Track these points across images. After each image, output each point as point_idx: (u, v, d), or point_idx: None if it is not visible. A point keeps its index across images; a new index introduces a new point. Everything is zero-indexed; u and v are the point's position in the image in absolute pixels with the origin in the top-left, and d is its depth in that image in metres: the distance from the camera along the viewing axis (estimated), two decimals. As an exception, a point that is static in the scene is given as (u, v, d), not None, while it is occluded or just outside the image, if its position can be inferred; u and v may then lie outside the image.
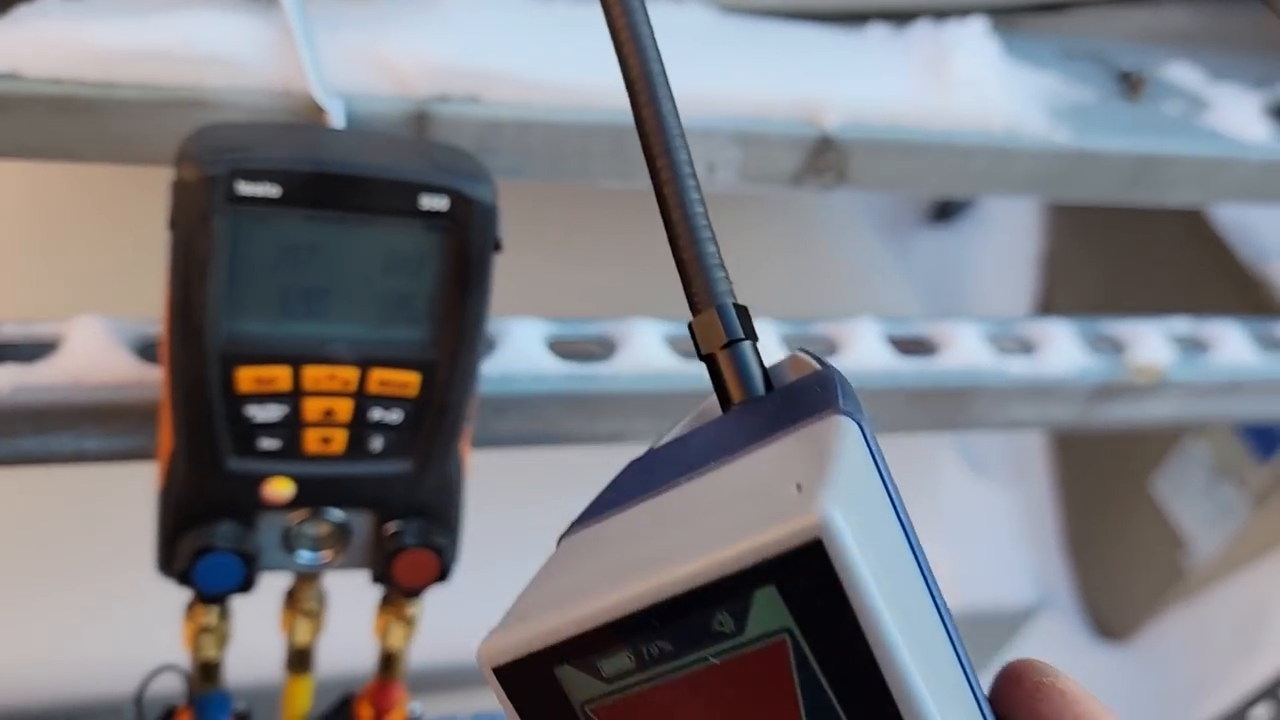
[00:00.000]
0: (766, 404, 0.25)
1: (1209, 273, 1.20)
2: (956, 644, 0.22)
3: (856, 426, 0.22)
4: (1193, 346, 0.63)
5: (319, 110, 0.43)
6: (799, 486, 0.19)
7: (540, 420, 0.53)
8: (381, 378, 0.43)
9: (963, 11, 0.59)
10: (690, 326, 0.26)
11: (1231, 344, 0.64)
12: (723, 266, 0.26)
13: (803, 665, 0.20)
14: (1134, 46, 0.65)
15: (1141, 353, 0.61)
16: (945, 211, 2.04)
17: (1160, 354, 0.61)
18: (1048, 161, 0.56)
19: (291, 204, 0.39)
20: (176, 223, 0.38)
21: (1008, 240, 1.92)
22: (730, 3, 0.55)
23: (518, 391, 0.51)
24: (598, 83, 0.48)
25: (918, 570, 0.22)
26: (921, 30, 0.55)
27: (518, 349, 0.52)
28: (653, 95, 0.28)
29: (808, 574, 0.19)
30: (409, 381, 0.43)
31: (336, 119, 0.43)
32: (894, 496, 0.22)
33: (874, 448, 0.22)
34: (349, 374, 0.42)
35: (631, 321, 0.55)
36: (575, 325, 0.55)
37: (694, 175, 0.28)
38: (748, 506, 0.20)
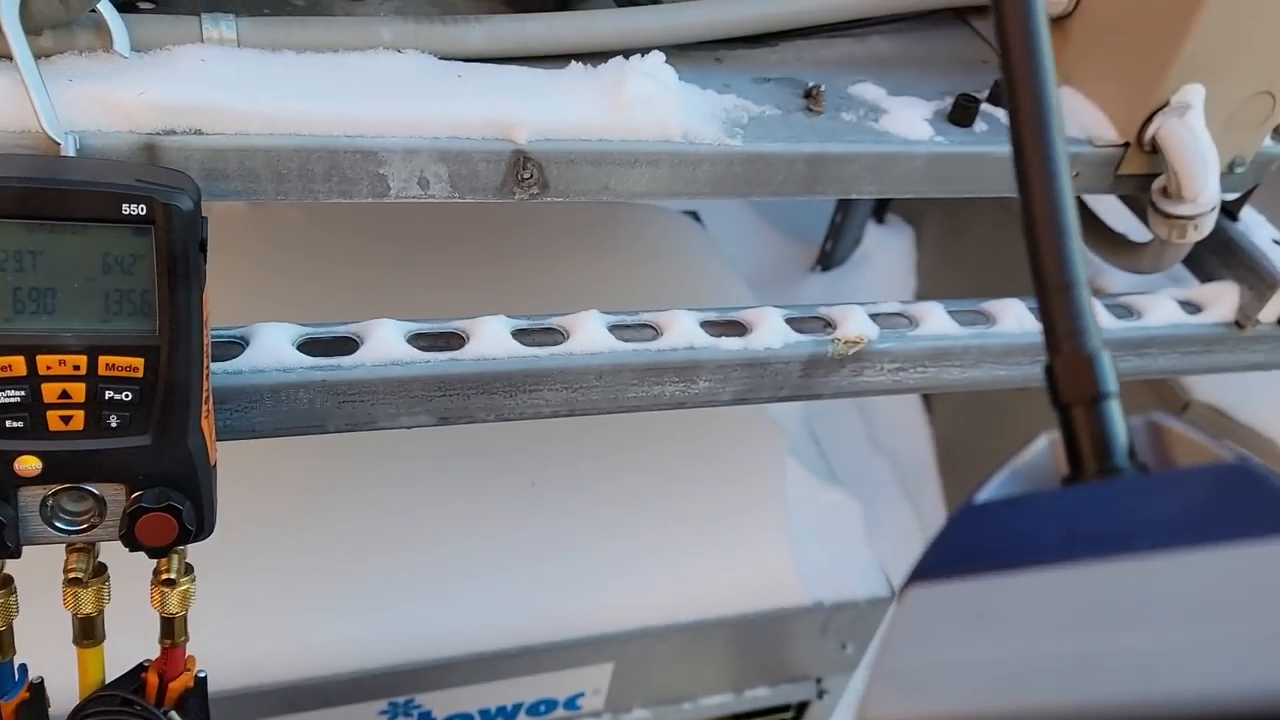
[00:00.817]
0: (1167, 488, 0.22)
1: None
2: None
3: None
4: (898, 323, 0.72)
5: (54, 143, 0.52)
6: None
7: (291, 409, 0.60)
8: (109, 361, 0.50)
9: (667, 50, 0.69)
10: (1049, 369, 0.24)
11: (933, 319, 0.73)
12: (1092, 306, 0.25)
13: None
14: (829, 71, 0.75)
15: (848, 328, 0.70)
16: (829, 261, 2.15)
17: (865, 327, 0.70)
18: (725, 165, 0.65)
19: (6, 215, 0.47)
20: (-89, 235, 0.47)
21: (887, 279, 2.03)
22: (444, 51, 0.64)
23: (268, 382, 0.59)
24: (312, 110, 0.57)
25: None
26: (610, 65, 0.64)
27: (266, 346, 0.60)
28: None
29: None
30: (135, 364, 0.51)
31: (69, 151, 0.52)
32: None
33: None
34: (79, 359, 0.50)
35: (374, 322, 0.63)
36: (324, 327, 0.63)
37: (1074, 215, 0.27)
38: None
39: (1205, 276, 0.84)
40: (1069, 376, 0.24)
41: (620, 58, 0.65)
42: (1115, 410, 0.23)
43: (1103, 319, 0.77)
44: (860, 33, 0.80)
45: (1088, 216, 0.85)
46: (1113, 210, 0.88)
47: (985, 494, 0.24)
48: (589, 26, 0.68)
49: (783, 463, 1.25)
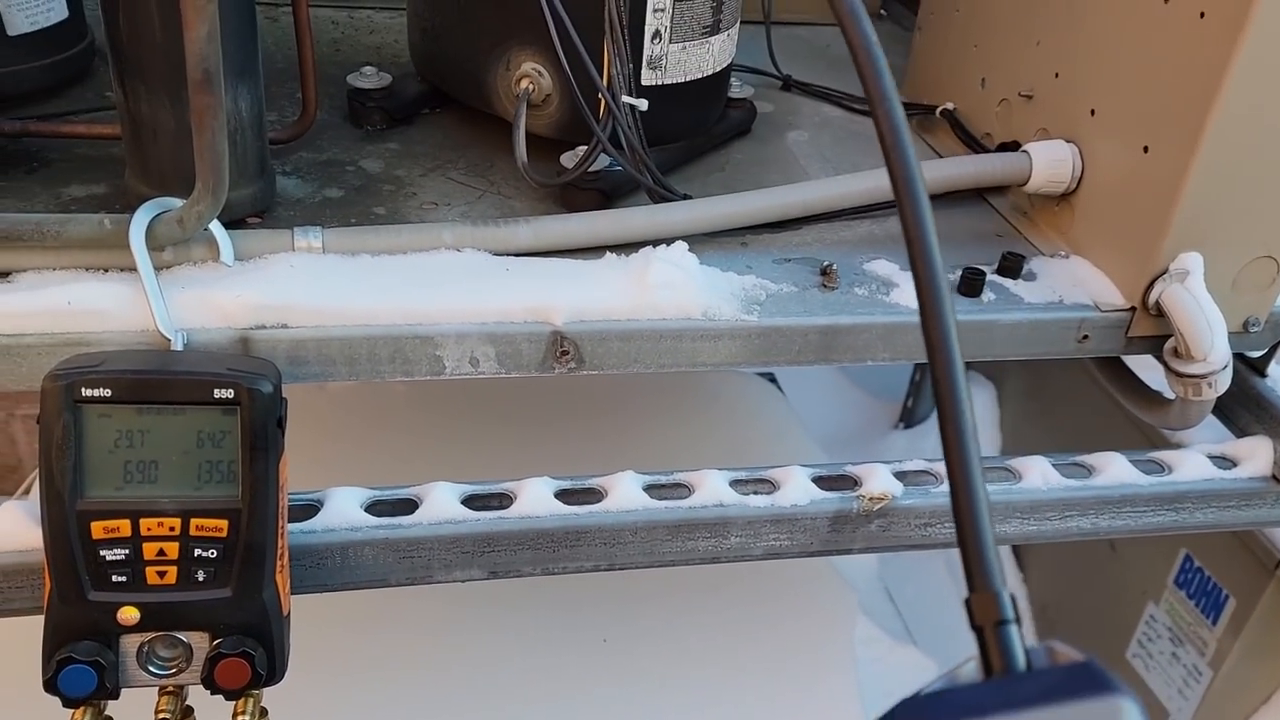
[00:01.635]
0: (1038, 678, 0.31)
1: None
2: None
3: (1137, 710, 0.28)
4: (923, 480, 0.76)
5: (165, 339, 0.62)
6: None
7: (358, 565, 0.68)
8: (199, 523, 0.59)
9: (705, 239, 0.78)
10: (968, 602, 0.33)
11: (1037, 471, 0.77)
12: (998, 556, 0.34)
13: None
14: (847, 250, 0.82)
15: (872, 486, 0.75)
16: (911, 418, 2.17)
17: (889, 485, 0.75)
18: (744, 338, 0.72)
19: (122, 401, 0.57)
20: (41, 419, 0.57)
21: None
22: (497, 248, 0.74)
23: (338, 540, 0.67)
24: (378, 304, 0.67)
25: None
26: (640, 253, 0.73)
27: (337, 509, 0.68)
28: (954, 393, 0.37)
29: None
30: (220, 525, 0.59)
31: (177, 346, 0.62)
32: None
33: None
34: (174, 522, 0.59)
35: (431, 484, 0.71)
36: (389, 490, 0.71)
37: (980, 465, 0.35)
38: None
39: (1240, 431, 0.85)
40: (981, 607, 0.33)
41: (649, 247, 0.74)
42: (1014, 632, 0.32)
43: (1130, 475, 0.79)
44: (881, 213, 0.87)
45: (1123, 373, 0.89)
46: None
47: (929, 689, 0.33)
48: (623, 222, 0.77)
49: (852, 621, 1.26)
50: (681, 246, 0.74)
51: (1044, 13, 0.86)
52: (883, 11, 1.42)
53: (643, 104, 0.79)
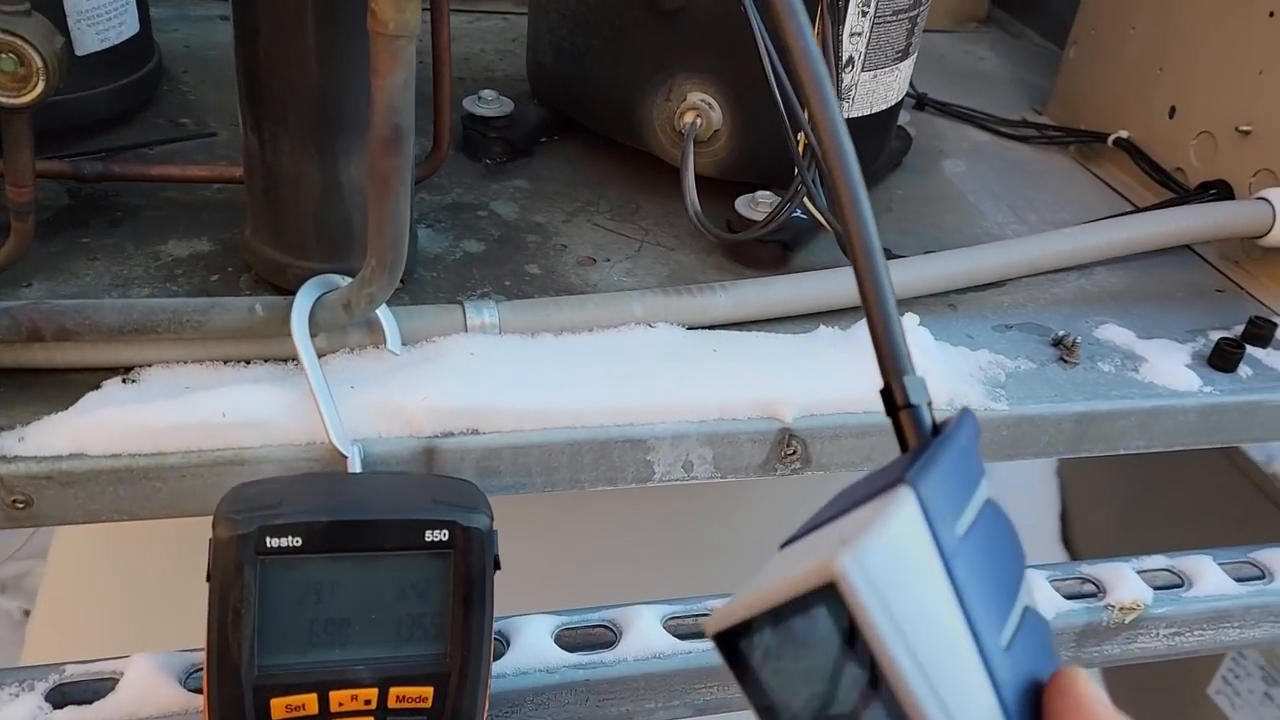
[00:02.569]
0: (899, 462, 0.31)
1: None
2: (999, 684, 0.28)
3: (914, 496, 0.28)
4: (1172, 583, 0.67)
5: (340, 456, 0.50)
6: (843, 542, 0.26)
7: (554, 712, 0.56)
8: (399, 693, 0.47)
9: (909, 302, 0.67)
10: (884, 391, 0.35)
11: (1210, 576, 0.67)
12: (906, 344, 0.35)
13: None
14: (1067, 312, 0.72)
15: (1123, 592, 0.64)
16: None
17: (1140, 592, 0.65)
18: (992, 428, 0.61)
19: (312, 551, 0.45)
20: (213, 575, 0.45)
21: (1028, 499, 1.90)
22: (693, 321, 0.63)
23: (531, 685, 0.56)
24: (581, 402, 0.56)
25: (955, 615, 0.28)
26: (862, 330, 0.62)
27: (528, 644, 0.57)
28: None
29: (837, 606, 0.26)
30: (424, 694, 0.48)
31: (354, 464, 0.50)
32: (948, 557, 0.28)
33: (936, 514, 0.28)
34: (370, 693, 0.47)
35: (633, 608, 0.59)
36: (579, 614, 0.59)
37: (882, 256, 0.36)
38: (820, 551, 0.27)
39: None
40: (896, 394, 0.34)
41: (873, 321, 0.63)
42: (924, 411, 0.34)
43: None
44: (1084, 266, 0.77)
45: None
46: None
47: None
48: (830, 286, 0.66)
49: None
50: (913, 320, 0.63)
51: (1271, 36, 0.76)
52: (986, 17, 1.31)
53: (847, 146, 0.68)
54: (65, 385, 0.52)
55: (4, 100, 0.50)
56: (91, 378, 0.53)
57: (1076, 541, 1.66)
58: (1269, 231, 0.73)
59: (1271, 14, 0.76)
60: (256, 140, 0.56)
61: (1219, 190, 0.80)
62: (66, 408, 0.50)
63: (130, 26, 0.76)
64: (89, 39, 0.72)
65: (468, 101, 0.81)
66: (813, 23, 0.65)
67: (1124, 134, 0.90)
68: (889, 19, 0.71)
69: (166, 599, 0.87)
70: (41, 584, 1.25)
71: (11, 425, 0.49)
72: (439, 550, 0.47)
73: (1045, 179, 0.92)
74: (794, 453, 0.59)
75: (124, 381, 0.52)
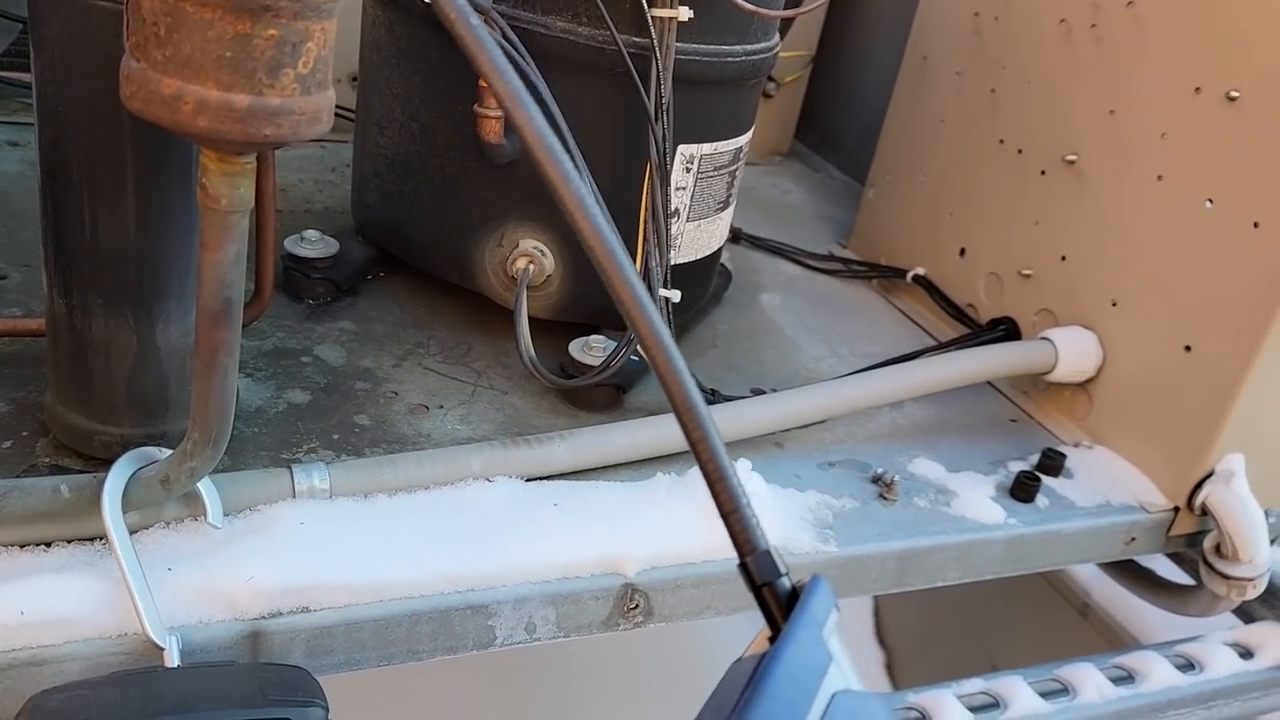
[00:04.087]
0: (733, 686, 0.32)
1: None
2: None
3: None
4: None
5: (157, 648, 0.47)
6: None
7: None
8: None
9: (740, 442, 0.69)
10: (742, 565, 0.36)
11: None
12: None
13: None
14: (883, 446, 0.76)
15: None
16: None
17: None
18: (823, 568, 0.64)
19: (130, 765, 0.41)
20: (12, 803, 0.40)
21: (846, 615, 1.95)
22: (532, 472, 0.62)
23: None
24: (419, 570, 0.54)
25: None
26: (698, 477, 0.64)
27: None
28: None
29: None
30: None
31: (173, 657, 0.47)
32: None
33: None
34: None
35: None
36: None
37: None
38: None
39: (1246, 616, 0.85)
40: (757, 568, 0.36)
41: (707, 468, 0.65)
42: (785, 583, 0.35)
43: (1173, 677, 0.76)
44: (891, 403, 0.82)
45: (1139, 572, 0.87)
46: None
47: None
48: (665, 432, 0.67)
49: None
50: (746, 466, 0.65)
51: (1042, 192, 0.85)
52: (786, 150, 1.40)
53: (676, 295, 0.71)
54: None
55: None
56: None
57: (889, 637, 1.73)
58: (1052, 369, 0.80)
59: (1043, 172, 0.85)
60: (64, 304, 0.53)
61: (1008, 327, 0.88)
62: None
63: (-89, 163, 0.70)
64: None
65: (289, 241, 0.79)
66: (644, 181, 0.68)
67: (920, 271, 0.98)
68: (711, 174, 0.75)
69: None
70: None
71: None
72: (272, 752, 0.44)
73: (853, 312, 0.98)
74: (637, 606, 0.59)
75: (-100, 576, 0.47)
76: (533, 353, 0.71)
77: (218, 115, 0.40)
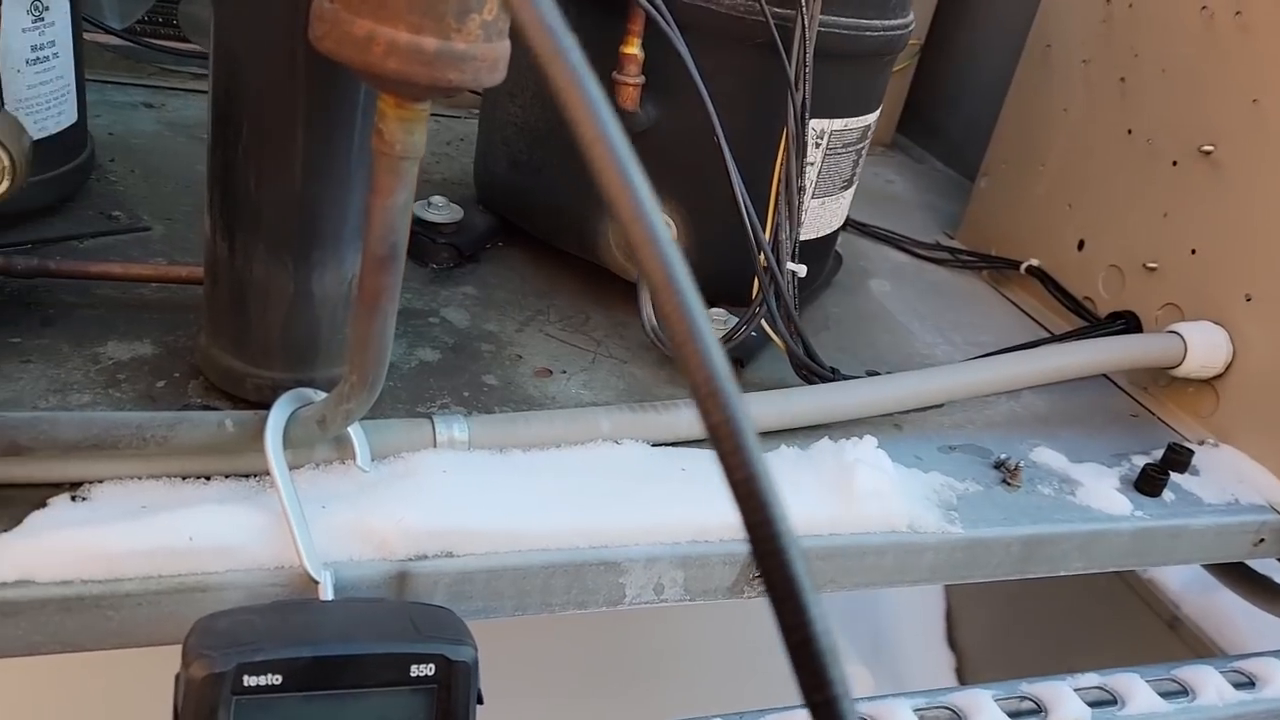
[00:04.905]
0: None
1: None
2: None
3: None
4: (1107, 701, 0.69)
5: (312, 582, 0.48)
6: None
7: None
8: (370, 843, 0.44)
9: (859, 421, 0.69)
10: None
11: (1141, 694, 0.69)
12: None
13: None
14: (1001, 434, 0.75)
15: (1064, 713, 0.66)
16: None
17: (1079, 710, 0.66)
18: (947, 552, 0.63)
19: (292, 689, 0.42)
20: (183, 715, 0.41)
21: (912, 600, 1.92)
22: (658, 438, 0.63)
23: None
24: (556, 523, 0.55)
25: None
26: (822, 451, 0.64)
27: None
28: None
29: None
30: (397, 842, 0.45)
31: (327, 591, 0.48)
32: None
33: None
34: (340, 842, 0.44)
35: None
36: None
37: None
38: None
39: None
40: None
41: (832, 443, 0.65)
42: None
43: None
44: (1011, 390, 0.81)
45: (1254, 578, 0.85)
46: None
47: None
48: (790, 406, 0.67)
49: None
50: (872, 443, 0.65)
51: (1173, 183, 0.83)
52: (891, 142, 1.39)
53: (803, 269, 0.71)
54: (5, 502, 0.48)
55: (-37, 198, 0.47)
56: (35, 494, 0.49)
57: (961, 640, 1.70)
58: (1180, 364, 0.78)
59: (1175, 163, 0.83)
60: (227, 248, 0.54)
61: (1128, 321, 0.86)
62: (9, 529, 0.46)
63: (69, 116, 0.73)
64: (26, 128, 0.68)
65: (417, 207, 0.80)
66: (778, 155, 0.68)
67: (1035, 262, 0.96)
68: (839, 151, 0.74)
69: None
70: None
71: (-53, 548, 0.45)
72: (423, 686, 0.45)
73: (963, 301, 0.97)
74: (761, 575, 0.59)
75: (73, 499, 0.49)
76: (655, 322, 0.71)
77: (407, 58, 0.41)
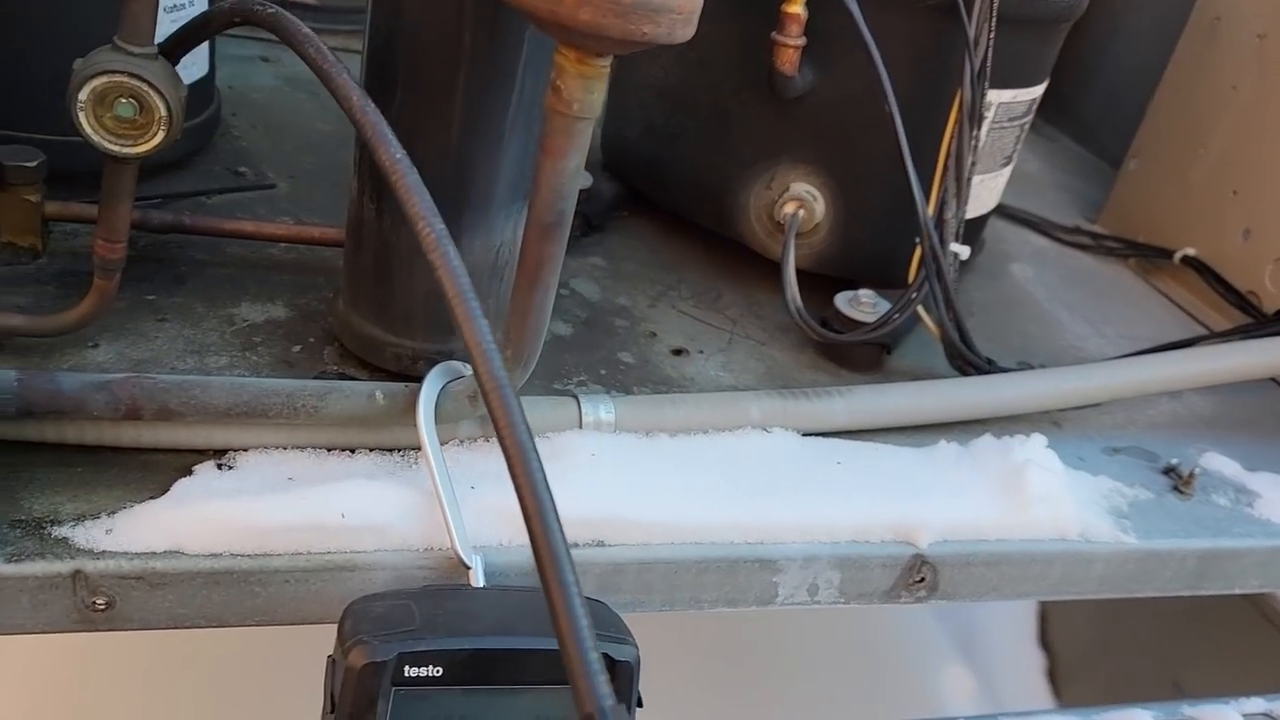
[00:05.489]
0: None
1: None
2: None
3: None
4: (1276, 728, 0.64)
5: (463, 566, 0.45)
6: None
7: None
8: (526, 841, 0.42)
9: (1016, 417, 0.64)
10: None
11: (1314, 724, 0.64)
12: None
13: None
14: (1166, 436, 0.70)
15: (1230, 740, 0.61)
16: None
17: (1248, 740, 0.62)
18: (1119, 563, 0.58)
19: (451, 682, 0.40)
20: (339, 706, 0.39)
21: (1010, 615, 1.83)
22: (809, 427, 0.59)
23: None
24: (710, 516, 0.51)
25: None
26: (986, 448, 0.59)
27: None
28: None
29: None
30: (552, 843, 0.42)
31: (478, 577, 0.45)
32: None
33: None
34: (496, 840, 0.41)
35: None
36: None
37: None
38: None
39: None
40: None
41: (996, 440, 0.60)
42: None
43: None
44: (1174, 390, 0.75)
45: None
46: None
47: None
48: (950, 398, 0.63)
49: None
50: (1041, 442, 0.60)
51: (1362, 173, 0.76)
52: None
53: (965, 251, 0.66)
54: (150, 467, 0.47)
55: (117, 149, 0.45)
56: (179, 460, 0.47)
57: (1055, 643, 1.64)
58: (1368, 367, 0.71)
59: (1367, 149, 0.76)
60: (374, 209, 0.52)
61: (1299, 317, 0.79)
62: (157, 496, 0.45)
63: (200, 68, 0.71)
64: (159, 78, 0.67)
65: (546, 172, 0.77)
66: (946, 127, 0.63)
67: (1191, 251, 0.90)
68: (1005, 124, 0.69)
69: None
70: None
71: (95, 513, 0.43)
72: (584, 685, 0.42)
73: (1110, 291, 0.91)
74: (922, 580, 0.55)
75: (219, 467, 0.47)
76: (800, 302, 0.67)
77: (601, 8, 0.37)
